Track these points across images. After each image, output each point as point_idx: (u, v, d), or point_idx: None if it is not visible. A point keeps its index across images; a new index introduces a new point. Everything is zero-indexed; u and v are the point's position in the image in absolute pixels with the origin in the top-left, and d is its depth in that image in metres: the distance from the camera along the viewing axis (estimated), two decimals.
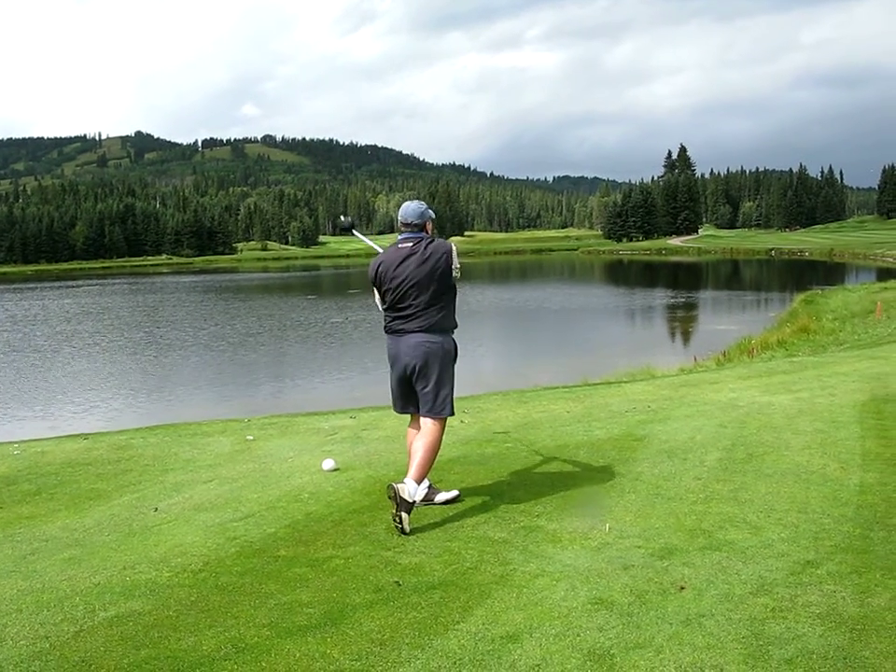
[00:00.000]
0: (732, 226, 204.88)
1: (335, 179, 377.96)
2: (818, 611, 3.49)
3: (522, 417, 8.55)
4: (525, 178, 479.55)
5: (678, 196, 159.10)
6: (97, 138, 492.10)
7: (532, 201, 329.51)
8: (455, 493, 5.40)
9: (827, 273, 64.11)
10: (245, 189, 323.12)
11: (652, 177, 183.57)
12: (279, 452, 7.43)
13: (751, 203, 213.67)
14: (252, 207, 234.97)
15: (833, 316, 25.24)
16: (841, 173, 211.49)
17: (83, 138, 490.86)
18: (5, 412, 17.60)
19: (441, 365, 5.11)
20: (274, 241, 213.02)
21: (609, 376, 14.90)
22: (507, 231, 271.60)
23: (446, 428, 5.31)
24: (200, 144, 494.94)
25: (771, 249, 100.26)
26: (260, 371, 23.13)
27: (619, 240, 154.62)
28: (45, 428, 13.93)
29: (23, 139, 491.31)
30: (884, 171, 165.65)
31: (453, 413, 5.23)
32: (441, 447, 5.24)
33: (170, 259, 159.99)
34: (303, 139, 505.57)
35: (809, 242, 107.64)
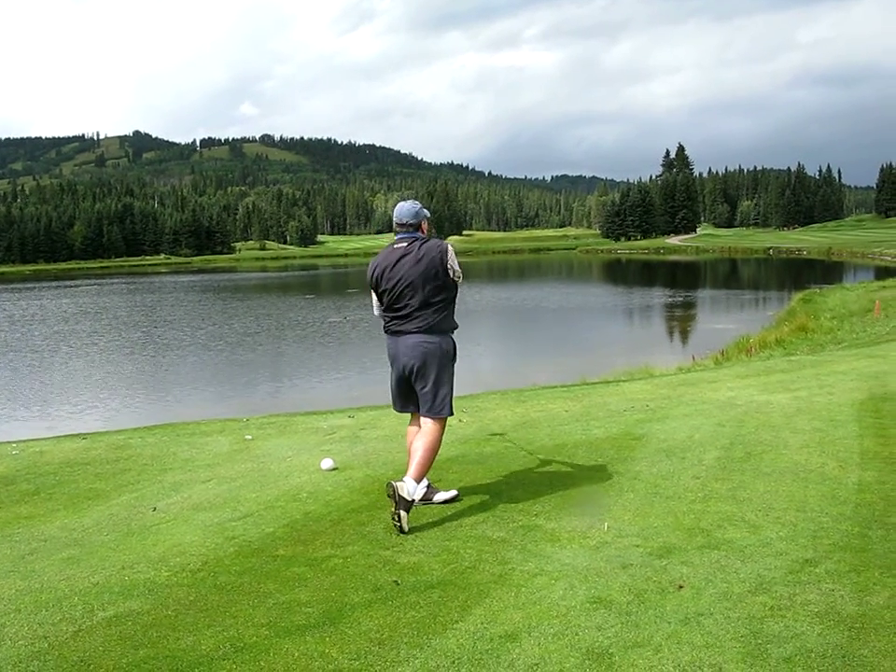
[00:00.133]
0: (730, 225, 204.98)
1: (333, 179, 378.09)
2: (816, 610, 3.49)
3: (520, 416, 8.55)
4: (524, 178, 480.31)
5: (676, 195, 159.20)
6: (95, 138, 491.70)
7: (530, 200, 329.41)
8: (453, 493, 5.40)
9: (825, 271, 64.14)
10: (243, 188, 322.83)
11: (650, 176, 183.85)
12: (277, 451, 7.43)
13: (749, 202, 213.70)
14: (250, 207, 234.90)
15: (832, 315, 25.25)
16: (839, 171, 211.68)
17: (81, 138, 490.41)
18: (2, 412, 17.59)
19: (440, 365, 5.11)
20: (273, 240, 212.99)
21: (607, 375, 14.90)
22: (505, 231, 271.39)
23: (444, 428, 5.31)
24: (198, 143, 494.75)
25: (769, 248, 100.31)
26: (259, 371, 23.11)
27: (617, 239, 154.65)
28: (42, 428, 13.91)
29: (21, 139, 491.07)
30: (882, 169, 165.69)
31: (452, 413, 5.24)
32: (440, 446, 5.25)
33: (168, 258, 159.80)
34: (301, 138, 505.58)
35: (807, 241, 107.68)
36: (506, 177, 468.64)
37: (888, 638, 3.22)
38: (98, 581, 4.20)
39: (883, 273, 50.44)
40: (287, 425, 9.12)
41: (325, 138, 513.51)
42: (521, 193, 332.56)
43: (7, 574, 4.40)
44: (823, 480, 5.44)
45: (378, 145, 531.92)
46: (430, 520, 4.97)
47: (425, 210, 5.30)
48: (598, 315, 37.16)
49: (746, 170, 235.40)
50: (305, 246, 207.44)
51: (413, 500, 4.84)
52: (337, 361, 23.97)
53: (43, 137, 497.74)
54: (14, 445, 8.66)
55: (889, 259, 67.93)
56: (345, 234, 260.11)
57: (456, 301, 5.29)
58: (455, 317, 5.28)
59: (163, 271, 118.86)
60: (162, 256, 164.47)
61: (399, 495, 4.72)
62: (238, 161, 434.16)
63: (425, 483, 5.19)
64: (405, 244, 5.14)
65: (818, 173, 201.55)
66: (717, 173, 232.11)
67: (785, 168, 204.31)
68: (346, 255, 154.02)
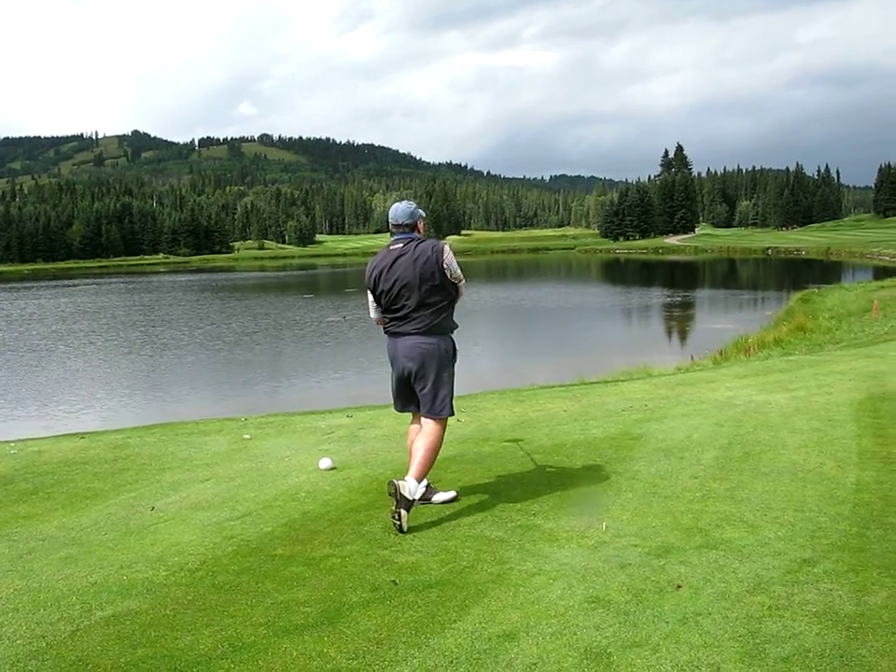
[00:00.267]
0: (728, 225, 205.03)
1: (332, 178, 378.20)
2: (814, 610, 3.49)
3: (518, 416, 8.55)
4: (522, 177, 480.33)
5: (674, 195, 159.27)
6: (94, 137, 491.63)
7: (529, 200, 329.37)
8: (452, 494, 5.39)
9: (824, 271, 64.15)
10: (241, 187, 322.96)
11: (649, 176, 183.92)
12: (276, 451, 7.43)
13: (748, 201, 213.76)
14: (249, 206, 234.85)
15: (830, 315, 25.26)
16: (838, 171, 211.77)
17: (80, 137, 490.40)
18: (1, 411, 17.57)
19: (439, 366, 5.11)
20: (271, 240, 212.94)
21: (605, 375, 14.90)
22: (504, 230, 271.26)
23: (445, 428, 5.31)
24: (197, 143, 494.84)
25: (768, 248, 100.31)
26: (257, 371, 23.10)
27: (616, 239, 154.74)
28: (40, 428, 13.90)
29: (20, 138, 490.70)
30: (880, 169, 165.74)
31: (452, 414, 5.24)
32: None
33: (167, 257, 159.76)
34: (300, 138, 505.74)
35: (806, 240, 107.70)
36: (504, 177, 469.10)
37: (885, 638, 3.22)
38: (96, 580, 4.20)
39: (881, 272, 50.45)
40: (286, 424, 9.12)
41: (323, 138, 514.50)
42: (519, 193, 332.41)
43: (5, 573, 4.40)
44: (821, 479, 5.44)
45: (377, 144, 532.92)
46: (428, 519, 4.97)
47: (420, 210, 5.31)
48: (597, 314, 37.16)
49: (744, 170, 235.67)
50: (304, 246, 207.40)
51: (414, 500, 4.84)
52: (335, 361, 23.97)
53: (41, 136, 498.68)
54: (12, 444, 8.66)
55: (888, 258, 67.96)
56: (344, 234, 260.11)
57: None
58: (454, 318, 5.28)
59: (162, 270, 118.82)
60: (161, 255, 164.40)
61: (400, 493, 4.71)
62: (237, 160, 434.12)
63: (424, 482, 5.20)
64: (401, 244, 5.14)
65: (816, 173, 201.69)
66: (715, 173, 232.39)
67: (784, 168, 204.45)
68: (345, 254, 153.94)
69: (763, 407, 8.14)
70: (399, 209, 5.22)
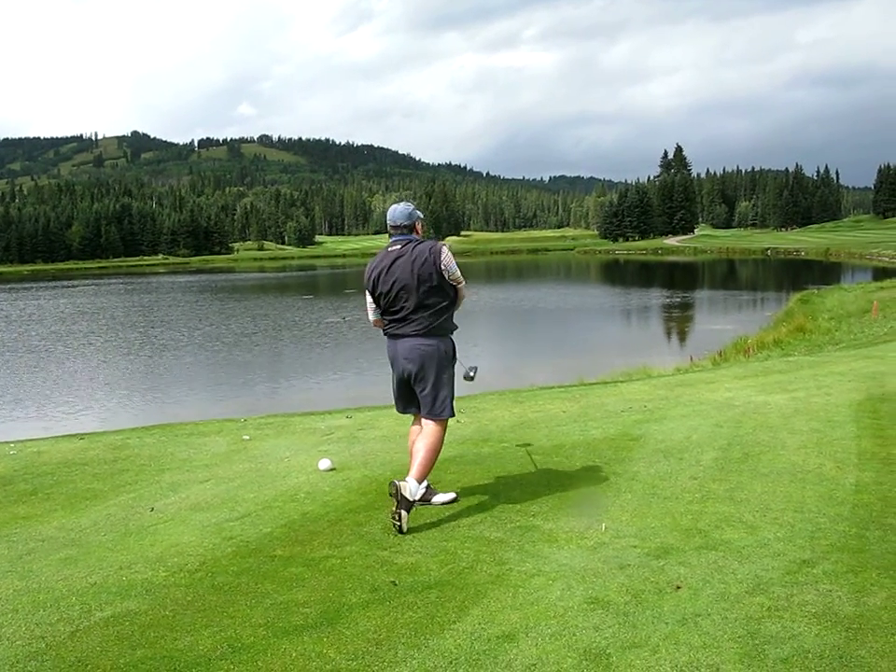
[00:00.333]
0: (728, 226, 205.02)
1: (331, 179, 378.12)
2: (814, 610, 3.49)
3: (518, 417, 8.55)
4: (522, 178, 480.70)
5: (674, 196, 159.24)
6: (93, 138, 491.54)
7: (528, 200, 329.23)
8: (452, 495, 5.39)
9: (823, 272, 64.14)
10: (241, 188, 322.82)
11: (648, 177, 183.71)
12: (275, 452, 7.43)
13: (747, 202, 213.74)
14: (248, 207, 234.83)
15: (830, 316, 25.27)
16: (837, 172, 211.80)
17: (79, 138, 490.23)
18: (0, 412, 17.56)
19: (438, 367, 5.11)
20: (271, 241, 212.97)
21: (605, 376, 14.91)
22: (503, 231, 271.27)
23: (446, 429, 5.31)
24: (196, 144, 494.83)
25: (767, 249, 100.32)
26: (256, 371, 23.10)
27: (615, 240, 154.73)
28: (39, 429, 13.90)
29: (20, 139, 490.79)
30: (880, 170, 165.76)
31: (453, 415, 5.24)
32: None
33: (166, 258, 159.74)
34: (300, 139, 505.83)
35: (805, 241, 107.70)
36: (504, 178, 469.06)
37: (885, 639, 3.22)
38: (96, 581, 4.20)
39: (881, 273, 50.45)
40: (285, 425, 9.12)
41: (323, 138, 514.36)
42: (519, 194, 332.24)
43: (4, 574, 4.40)
44: (821, 480, 5.45)
45: (376, 145, 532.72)
46: (428, 520, 4.97)
47: (418, 211, 5.30)
48: (596, 315, 37.16)
49: (744, 171, 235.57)
50: (303, 247, 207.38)
51: (415, 501, 4.84)
52: (335, 362, 23.96)
53: (41, 137, 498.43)
54: (12, 445, 8.66)
55: (887, 259, 67.97)
56: (343, 235, 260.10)
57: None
58: (454, 319, 5.28)
59: (161, 271, 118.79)
60: (160, 256, 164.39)
61: (401, 494, 4.72)
62: (236, 161, 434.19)
63: (424, 483, 5.20)
64: (399, 246, 5.13)
65: (816, 173, 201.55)
66: (715, 173, 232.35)
67: (783, 169, 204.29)
68: (344, 255, 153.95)
69: (762, 408, 8.14)
70: (398, 210, 5.22)
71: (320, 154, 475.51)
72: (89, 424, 14.49)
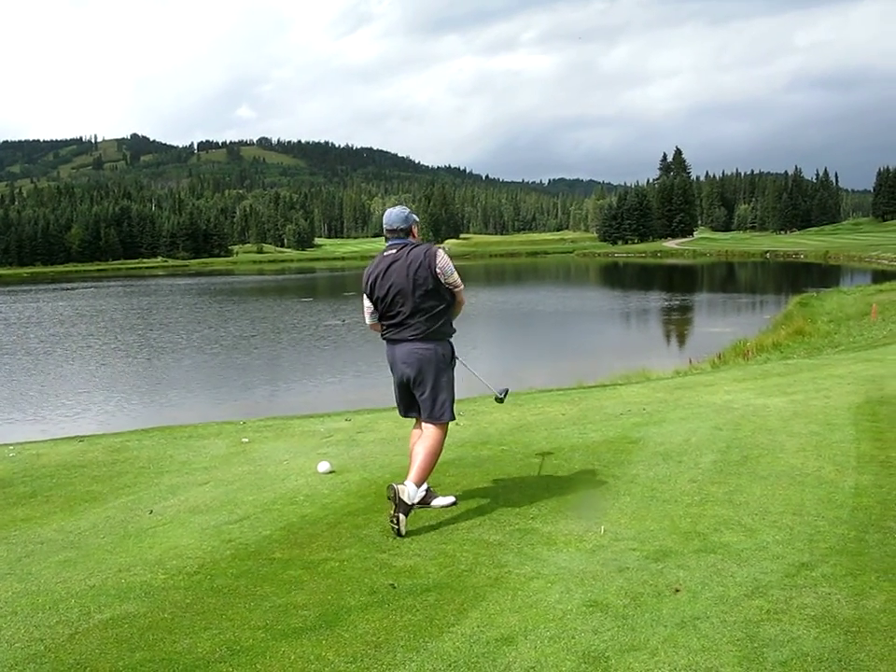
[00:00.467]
0: (727, 228, 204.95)
1: (331, 182, 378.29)
2: (812, 614, 3.49)
3: (517, 420, 8.56)
4: (521, 181, 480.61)
5: (673, 199, 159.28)
6: (93, 141, 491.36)
7: (527, 203, 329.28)
8: (451, 499, 5.39)
9: (822, 275, 64.18)
10: (240, 191, 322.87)
11: (648, 180, 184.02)
12: (274, 454, 7.44)
13: (746, 205, 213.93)
14: (248, 210, 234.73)
15: (829, 319, 25.28)
16: (836, 175, 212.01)
17: (79, 141, 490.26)
18: None
19: (437, 371, 5.10)
20: (270, 243, 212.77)
21: (604, 379, 14.90)
22: (502, 234, 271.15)
23: (446, 432, 5.31)
24: (195, 146, 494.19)
25: (766, 252, 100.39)
26: (255, 374, 23.09)
27: (614, 242, 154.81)
28: (37, 431, 13.89)
29: (19, 142, 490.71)
30: (879, 173, 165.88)
31: (453, 418, 5.23)
32: None
33: (165, 261, 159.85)
34: (299, 142, 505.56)
35: (804, 244, 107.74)
36: (503, 181, 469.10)
37: (884, 642, 3.22)
38: (95, 583, 4.20)
39: (880, 276, 50.43)
40: (284, 428, 9.12)
41: (322, 141, 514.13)
42: (518, 196, 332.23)
43: (3, 576, 4.40)
44: (820, 483, 5.45)
45: (375, 148, 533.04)
46: (427, 523, 4.97)
47: (414, 215, 5.29)
48: (595, 318, 37.16)
49: (743, 173, 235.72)
50: (302, 249, 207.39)
51: (413, 504, 4.84)
52: (334, 364, 23.95)
53: (41, 140, 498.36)
54: (11, 447, 8.66)
55: (886, 262, 68.00)
56: (343, 237, 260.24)
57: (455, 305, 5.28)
58: (452, 322, 5.27)
59: (160, 273, 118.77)
60: (160, 258, 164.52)
61: (399, 498, 4.72)
62: (235, 164, 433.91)
63: (424, 486, 5.21)
64: (395, 250, 5.13)
65: (815, 176, 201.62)
66: (714, 176, 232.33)
67: (782, 172, 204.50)
68: (343, 258, 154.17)
69: (761, 411, 8.14)
70: (393, 214, 5.22)
71: (319, 157, 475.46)
72: (88, 426, 14.48)
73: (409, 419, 5.52)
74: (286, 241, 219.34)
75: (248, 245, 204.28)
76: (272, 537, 4.85)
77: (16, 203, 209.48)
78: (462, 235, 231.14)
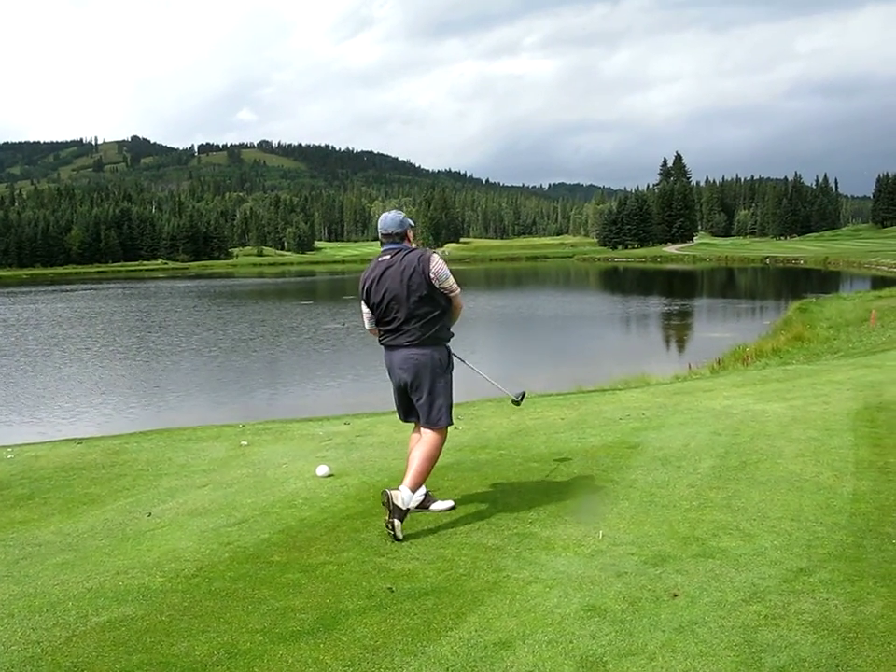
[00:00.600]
0: (727, 234, 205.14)
1: (331, 185, 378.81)
2: (810, 619, 3.49)
3: (516, 424, 8.56)
4: (521, 185, 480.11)
5: (673, 204, 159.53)
6: (93, 143, 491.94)
7: (528, 208, 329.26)
8: (450, 503, 5.39)
9: (822, 281, 64.25)
10: (240, 194, 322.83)
11: (648, 185, 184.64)
12: (273, 457, 7.43)
13: (746, 211, 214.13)
14: (248, 213, 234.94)
15: (828, 324, 25.30)
16: (836, 181, 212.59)
17: (79, 143, 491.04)
18: None
19: (433, 376, 5.09)
20: (270, 246, 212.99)
21: (603, 383, 14.90)
22: (502, 238, 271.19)
23: (445, 437, 5.30)
24: (196, 149, 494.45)
25: (766, 257, 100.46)
26: (255, 377, 23.08)
27: (614, 247, 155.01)
28: (35, 434, 13.89)
29: (20, 143, 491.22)
30: (879, 179, 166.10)
31: (450, 423, 5.21)
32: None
33: (165, 263, 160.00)
34: (299, 145, 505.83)
35: (804, 250, 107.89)
36: (503, 185, 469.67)
37: (881, 648, 3.22)
38: (92, 586, 4.19)
39: (879, 282, 50.53)
40: (283, 431, 9.12)
41: (323, 145, 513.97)
42: (518, 201, 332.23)
43: (1, 579, 4.40)
44: (818, 489, 5.45)
45: (376, 151, 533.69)
46: (425, 527, 4.97)
47: (409, 219, 5.27)
48: (595, 323, 37.18)
49: (743, 179, 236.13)
50: (302, 252, 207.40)
51: (408, 509, 4.84)
52: (333, 368, 23.95)
53: (41, 142, 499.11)
54: (10, 450, 8.66)
55: (886, 268, 68.09)
56: (343, 241, 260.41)
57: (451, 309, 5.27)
58: (449, 327, 5.26)
59: (160, 276, 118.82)
60: (160, 261, 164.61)
61: (393, 503, 4.71)
62: (236, 166, 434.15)
63: (422, 490, 5.21)
64: (389, 256, 5.11)
65: (815, 182, 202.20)
66: (714, 182, 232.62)
67: (782, 177, 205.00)
68: (343, 261, 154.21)
69: (760, 416, 8.14)
70: (388, 218, 5.20)
71: (320, 160, 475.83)
72: (86, 428, 14.48)
73: (408, 423, 5.52)
74: (286, 244, 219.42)
75: (248, 247, 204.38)
76: (270, 540, 4.85)
77: (16, 204, 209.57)
78: (462, 239, 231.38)
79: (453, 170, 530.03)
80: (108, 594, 4.07)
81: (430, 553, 4.49)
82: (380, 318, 5.16)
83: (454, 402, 5.26)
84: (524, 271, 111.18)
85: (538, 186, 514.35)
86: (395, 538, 4.69)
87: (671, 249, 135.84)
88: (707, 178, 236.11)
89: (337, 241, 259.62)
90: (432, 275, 4.99)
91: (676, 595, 3.79)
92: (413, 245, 5.25)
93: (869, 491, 5.36)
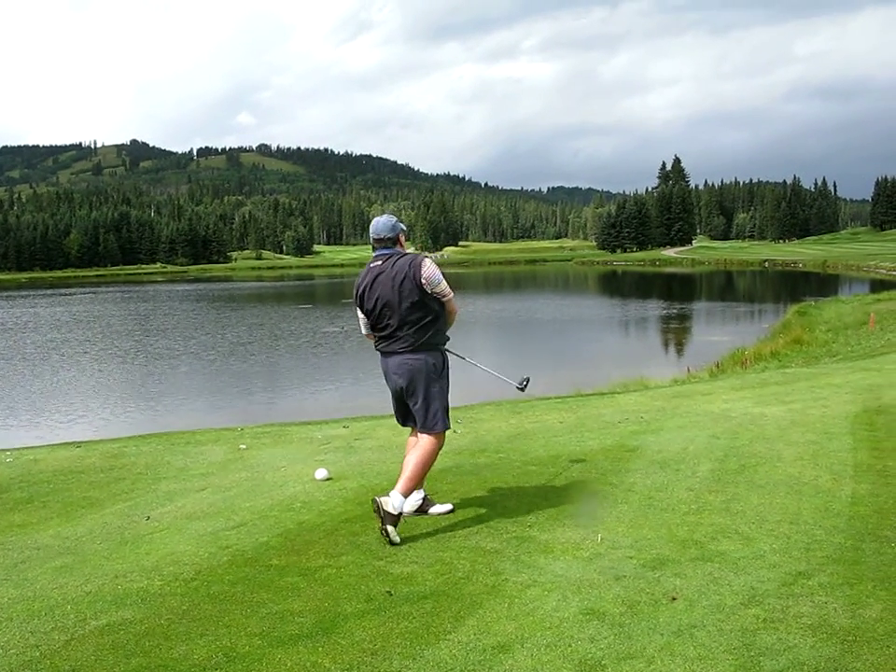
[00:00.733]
0: (726, 237, 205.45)
1: (330, 189, 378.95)
2: (809, 622, 3.49)
3: (514, 428, 8.56)
4: (520, 189, 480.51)
5: (672, 207, 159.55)
6: (92, 146, 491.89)
7: (526, 211, 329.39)
8: (448, 507, 5.39)
9: (820, 284, 64.28)
10: (239, 197, 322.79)
11: (647, 188, 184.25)
12: (272, 461, 7.43)
13: (745, 214, 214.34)
14: (247, 216, 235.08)
15: (827, 328, 25.30)
16: (835, 184, 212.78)
17: (78, 146, 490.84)
18: None
19: (427, 381, 5.08)
20: (269, 250, 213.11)
21: (601, 387, 14.91)
22: (501, 242, 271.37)
23: (442, 442, 5.29)
24: (195, 152, 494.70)
25: (765, 261, 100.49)
26: (253, 381, 23.08)
27: (613, 251, 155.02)
28: (34, 437, 13.86)
29: (18, 147, 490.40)
30: (877, 183, 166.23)
31: (447, 427, 5.20)
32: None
33: (164, 267, 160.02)
34: (298, 148, 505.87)
35: (803, 253, 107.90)
36: (502, 188, 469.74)
37: (880, 651, 3.22)
38: (91, 589, 4.19)
39: (878, 285, 50.52)
40: (282, 434, 9.12)
41: (321, 148, 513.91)
42: (517, 204, 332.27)
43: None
44: (817, 492, 5.45)
45: (375, 155, 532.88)
46: (424, 530, 4.97)
47: (401, 224, 5.25)
48: (594, 326, 37.16)
49: (742, 182, 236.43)
50: (301, 256, 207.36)
51: (401, 513, 4.83)
52: (331, 371, 23.96)
53: (40, 146, 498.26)
54: (8, 453, 8.66)
55: (884, 271, 68.12)
56: (342, 244, 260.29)
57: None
58: (444, 331, 5.25)
59: (159, 279, 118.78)
60: (158, 264, 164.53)
61: (383, 510, 4.72)
62: (235, 170, 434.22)
63: (421, 494, 5.21)
64: (380, 261, 5.08)
65: (813, 185, 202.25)
66: (713, 185, 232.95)
67: (781, 181, 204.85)
68: (342, 265, 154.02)
69: (759, 419, 8.15)
70: (380, 223, 5.18)
71: (319, 163, 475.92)
72: (85, 432, 14.48)
73: (407, 428, 5.52)
74: (284, 247, 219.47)
75: (247, 251, 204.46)
76: (269, 543, 4.85)
77: (15, 208, 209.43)
78: (461, 243, 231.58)
79: (451, 173, 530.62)
80: (107, 597, 4.07)
81: (429, 557, 4.49)
82: (374, 325, 5.16)
83: (451, 406, 5.26)
84: (522, 274, 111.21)
85: (536, 189, 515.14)
86: (391, 542, 4.69)
87: (670, 253, 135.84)
88: (706, 182, 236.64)
89: (336, 245, 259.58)
90: (424, 280, 4.96)
91: (674, 599, 3.79)
92: (406, 250, 5.24)
93: (868, 494, 5.36)
